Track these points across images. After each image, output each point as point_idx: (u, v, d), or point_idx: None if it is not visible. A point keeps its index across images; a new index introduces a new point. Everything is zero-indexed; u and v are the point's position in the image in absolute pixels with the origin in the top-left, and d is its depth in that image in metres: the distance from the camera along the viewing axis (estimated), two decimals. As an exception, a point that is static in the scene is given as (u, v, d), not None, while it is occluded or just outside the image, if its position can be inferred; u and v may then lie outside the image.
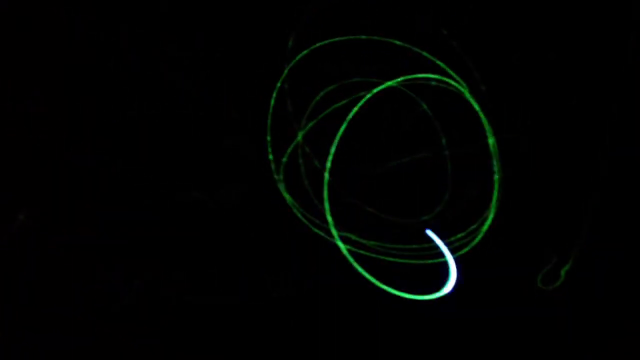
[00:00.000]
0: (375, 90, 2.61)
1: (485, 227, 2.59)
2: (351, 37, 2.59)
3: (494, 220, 2.58)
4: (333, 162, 2.62)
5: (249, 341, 2.71)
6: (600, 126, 2.62)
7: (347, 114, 2.61)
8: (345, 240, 2.63)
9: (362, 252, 2.62)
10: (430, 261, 2.60)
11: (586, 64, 2.62)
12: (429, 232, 2.59)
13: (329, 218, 2.62)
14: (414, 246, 2.61)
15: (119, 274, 2.70)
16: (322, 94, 2.62)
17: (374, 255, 2.61)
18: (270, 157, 2.64)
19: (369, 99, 2.62)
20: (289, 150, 2.66)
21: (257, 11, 2.68)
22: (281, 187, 2.65)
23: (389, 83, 2.61)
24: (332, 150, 2.61)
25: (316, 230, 2.65)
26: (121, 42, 2.70)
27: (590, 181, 2.62)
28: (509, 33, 2.62)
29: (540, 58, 2.63)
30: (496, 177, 2.57)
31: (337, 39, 2.59)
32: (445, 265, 2.59)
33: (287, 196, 2.65)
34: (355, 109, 2.60)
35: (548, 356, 2.65)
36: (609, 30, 2.61)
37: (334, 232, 2.62)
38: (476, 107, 2.57)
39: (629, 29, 2.61)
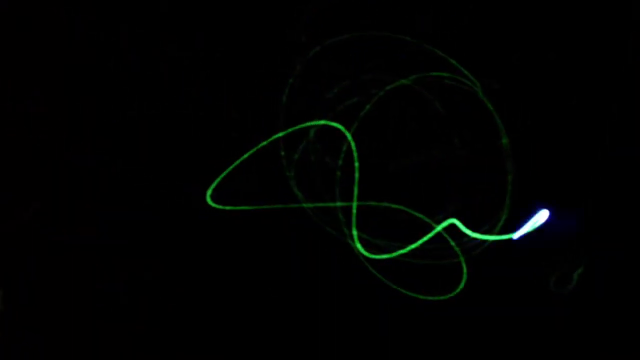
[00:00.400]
0: (387, 88, 2.60)
1: (498, 228, 2.57)
2: (363, 33, 2.57)
3: (507, 220, 2.57)
4: (345, 159, 2.61)
5: (249, 341, 2.71)
6: (600, 126, 2.62)
7: (359, 112, 2.60)
8: (357, 239, 2.61)
9: (374, 251, 2.60)
10: (443, 262, 2.59)
11: (586, 64, 2.62)
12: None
13: (341, 216, 2.61)
14: (428, 246, 2.59)
15: (119, 274, 2.70)
16: (335, 90, 2.61)
17: (386, 255, 2.60)
18: (282, 153, 2.63)
19: (381, 97, 2.61)
20: (300, 147, 2.65)
21: (257, 11, 2.68)
22: (292, 184, 2.64)
23: (402, 81, 2.60)
24: (344, 147, 2.60)
25: (328, 229, 2.64)
26: (121, 42, 2.70)
27: (590, 181, 2.62)
28: (508, 33, 2.62)
29: (540, 58, 2.62)
30: (510, 177, 2.55)
31: (349, 35, 2.58)
32: (458, 266, 2.57)
33: (298, 193, 2.64)
34: (368, 107, 2.60)
35: (551, 356, 2.65)
36: (609, 30, 2.61)
37: (346, 230, 2.61)
38: (490, 106, 2.56)
39: (629, 29, 2.61)
